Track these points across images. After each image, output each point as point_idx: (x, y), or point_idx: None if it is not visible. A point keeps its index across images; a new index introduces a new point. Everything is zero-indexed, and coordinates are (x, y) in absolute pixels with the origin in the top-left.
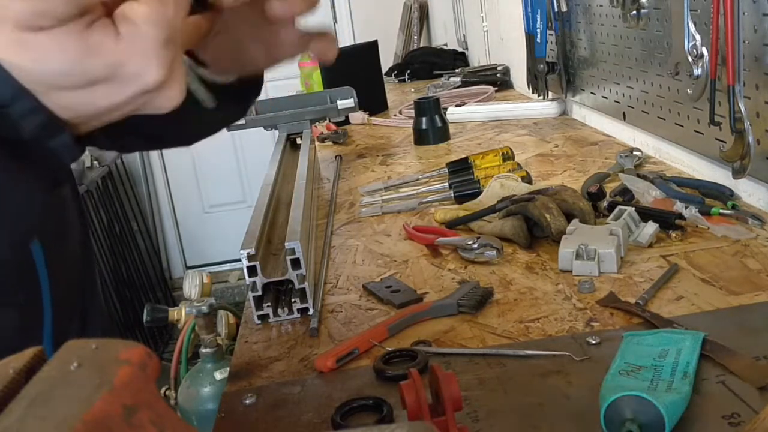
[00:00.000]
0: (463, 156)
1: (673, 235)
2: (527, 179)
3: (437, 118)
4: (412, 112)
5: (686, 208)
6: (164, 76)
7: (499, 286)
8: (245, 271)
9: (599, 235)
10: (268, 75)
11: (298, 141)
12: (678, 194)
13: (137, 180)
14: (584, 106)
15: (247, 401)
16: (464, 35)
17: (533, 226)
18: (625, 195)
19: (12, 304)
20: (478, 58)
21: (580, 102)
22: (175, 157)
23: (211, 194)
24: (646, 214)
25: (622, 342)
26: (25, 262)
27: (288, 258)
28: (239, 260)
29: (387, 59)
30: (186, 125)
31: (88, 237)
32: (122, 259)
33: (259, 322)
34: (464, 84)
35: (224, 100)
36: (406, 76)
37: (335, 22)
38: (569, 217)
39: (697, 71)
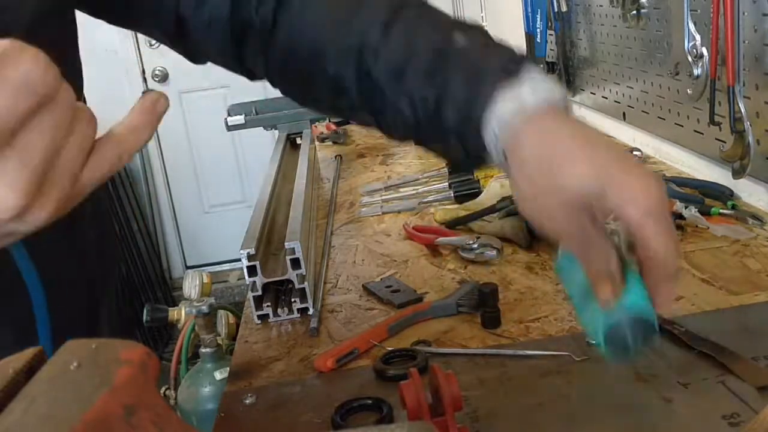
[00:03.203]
0: None
1: None
2: None
3: None
4: None
5: (686, 208)
6: (24, 201)
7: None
8: (245, 271)
9: None
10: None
11: (298, 141)
12: (678, 194)
13: (137, 180)
14: (584, 106)
15: (247, 401)
16: None
17: (533, 226)
18: None
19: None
20: None
21: (580, 102)
22: (175, 157)
23: (211, 194)
24: None
25: (561, 274)
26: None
27: (288, 258)
28: (239, 260)
29: None
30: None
31: (108, 229)
32: (122, 259)
33: (259, 321)
34: None
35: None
36: None
37: None
38: None
39: (697, 71)
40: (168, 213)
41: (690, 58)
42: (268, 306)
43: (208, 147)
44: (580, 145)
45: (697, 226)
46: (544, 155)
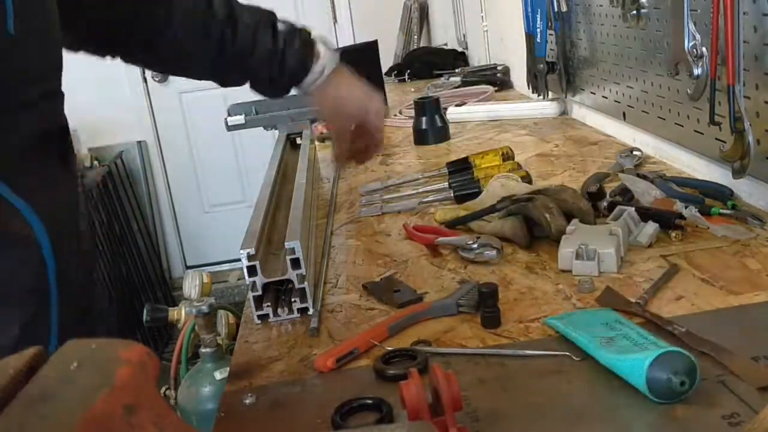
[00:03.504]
0: (463, 156)
1: (673, 235)
2: (527, 179)
3: (437, 117)
4: (412, 112)
5: (686, 208)
6: None
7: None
8: (245, 270)
9: (599, 235)
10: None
11: (298, 141)
12: (678, 194)
13: (137, 180)
14: (584, 105)
15: (247, 401)
16: (464, 35)
17: (533, 226)
18: (625, 195)
19: (24, 303)
20: (478, 58)
21: (580, 102)
22: (175, 157)
23: (211, 194)
24: (646, 214)
25: (559, 327)
26: (37, 265)
27: (288, 258)
28: (239, 260)
29: (387, 59)
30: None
31: (94, 236)
32: (122, 259)
33: (259, 321)
34: (464, 84)
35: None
36: (406, 76)
37: (335, 22)
38: (569, 217)
39: (697, 71)
40: (168, 213)
41: (690, 58)
42: (268, 306)
43: (208, 147)
44: (353, 90)
45: (697, 226)
46: (337, 95)
